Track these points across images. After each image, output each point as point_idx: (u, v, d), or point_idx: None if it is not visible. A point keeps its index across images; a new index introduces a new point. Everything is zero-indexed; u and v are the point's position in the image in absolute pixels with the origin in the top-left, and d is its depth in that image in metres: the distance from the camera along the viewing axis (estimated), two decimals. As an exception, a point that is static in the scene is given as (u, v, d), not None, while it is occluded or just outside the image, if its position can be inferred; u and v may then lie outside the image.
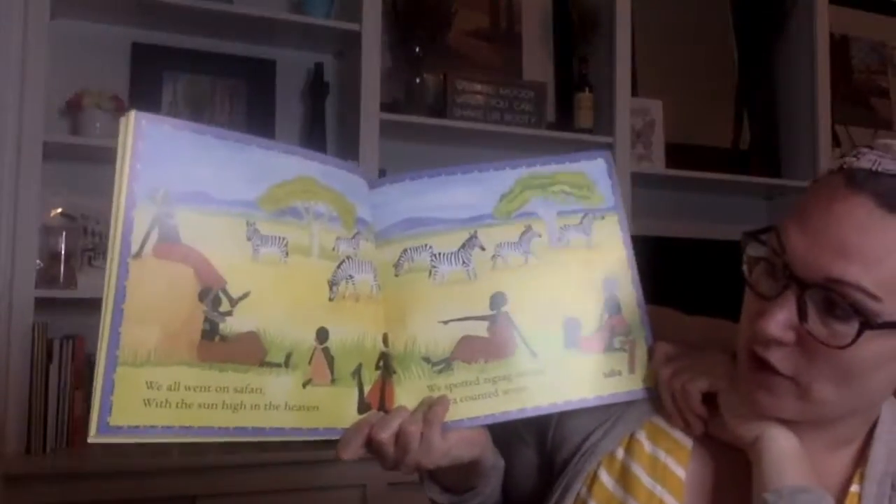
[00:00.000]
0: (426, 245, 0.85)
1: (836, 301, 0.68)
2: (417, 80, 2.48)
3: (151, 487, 1.94)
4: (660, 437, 0.85)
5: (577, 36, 2.74)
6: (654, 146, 2.80)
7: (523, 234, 0.87)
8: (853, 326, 0.68)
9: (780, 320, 0.71)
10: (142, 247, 0.67)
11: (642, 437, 0.85)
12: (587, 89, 2.67)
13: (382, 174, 2.31)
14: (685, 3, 3.02)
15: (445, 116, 2.48)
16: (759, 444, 0.77)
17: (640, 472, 0.83)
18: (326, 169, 0.82)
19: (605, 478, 0.84)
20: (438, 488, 0.91)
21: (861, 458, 0.81)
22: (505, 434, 0.95)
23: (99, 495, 1.90)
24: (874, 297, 0.67)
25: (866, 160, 0.71)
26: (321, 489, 2.08)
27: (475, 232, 0.86)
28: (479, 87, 2.54)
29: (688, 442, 0.84)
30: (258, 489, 2.02)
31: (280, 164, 0.78)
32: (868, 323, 0.67)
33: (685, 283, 1.80)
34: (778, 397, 0.74)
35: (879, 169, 0.70)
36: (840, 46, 3.19)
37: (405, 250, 0.85)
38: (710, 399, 0.81)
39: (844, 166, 0.73)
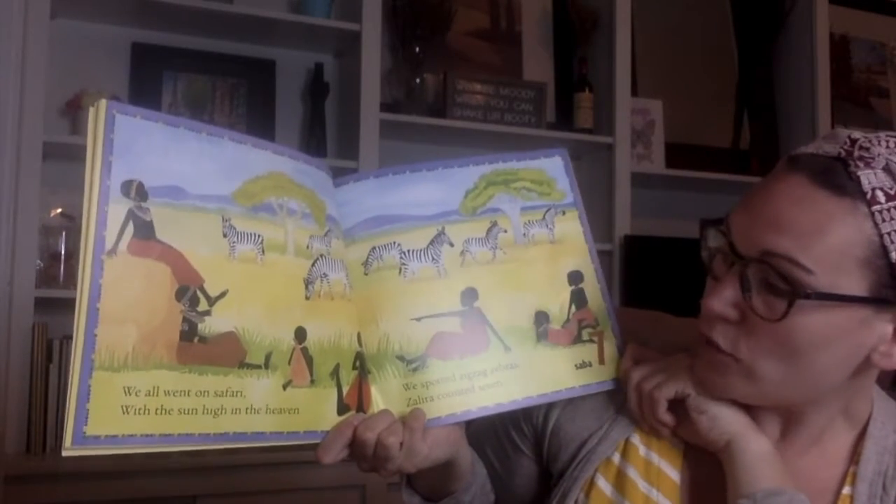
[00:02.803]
0: (394, 242, 0.84)
1: (771, 275, 0.70)
2: (417, 80, 2.48)
3: (151, 487, 1.94)
4: (653, 440, 0.85)
5: (577, 36, 2.73)
6: (654, 146, 2.80)
7: (489, 229, 0.87)
8: (787, 300, 0.69)
9: (723, 297, 0.73)
10: (116, 243, 0.64)
11: (637, 441, 0.85)
12: (587, 89, 2.67)
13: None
14: (685, 3, 3.01)
15: (445, 116, 2.48)
16: (730, 448, 0.77)
17: (635, 476, 0.83)
18: (297, 165, 0.80)
19: (602, 483, 0.84)
20: (419, 497, 0.90)
21: (854, 456, 0.80)
22: (502, 445, 0.95)
23: (99, 495, 1.91)
24: (807, 270, 0.68)
25: (811, 146, 0.74)
26: (321, 489, 2.08)
27: (443, 228, 0.86)
28: (479, 87, 2.54)
29: (680, 445, 0.84)
30: (258, 489, 2.03)
31: (252, 158, 0.76)
32: (797, 293, 0.68)
33: (684, 283, 1.80)
34: (725, 377, 0.75)
35: (819, 152, 0.72)
36: (840, 46, 3.18)
37: (374, 248, 0.84)
38: (679, 403, 0.81)
39: (792, 154, 0.75)
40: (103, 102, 0.66)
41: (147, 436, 0.63)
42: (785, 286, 0.69)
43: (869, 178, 0.69)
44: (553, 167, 0.92)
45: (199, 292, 0.69)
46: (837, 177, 0.70)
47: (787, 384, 0.74)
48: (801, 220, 0.69)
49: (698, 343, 0.78)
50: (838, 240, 0.68)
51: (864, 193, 0.68)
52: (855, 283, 0.69)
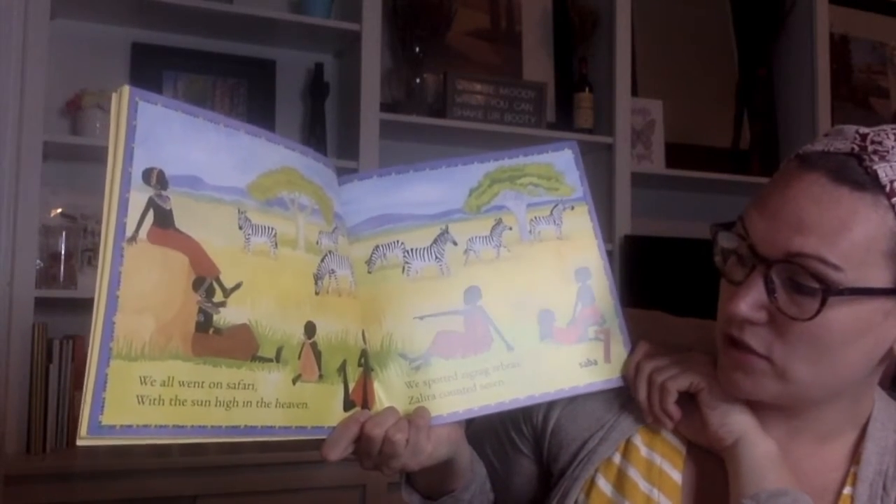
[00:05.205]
0: (398, 241, 0.85)
1: (799, 274, 0.70)
2: (417, 80, 2.48)
3: (151, 487, 1.94)
4: (656, 441, 0.85)
5: (577, 36, 2.74)
6: (654, 146, 2.80)
7: (494, 227, 0.87)
8: (818, 298, 0.69)
9: (749, 300, 0.72)
10: (136, 231, 0.64)
11: (638, 441, 0.85)
12: (587, 89, 2.67)
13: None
14: (685, 4, 3.02)
15: (445, 116, 2.48)
16: (737, 448, 0.78)
17: (636, 477, 0.83)
18: (307, 161, 0.81)
19: (603, 483, 0.84)
20: (419, 496, 0.90)
21: (854, 457, 0.81)
22: (501, 445, 0.95)
23: (99, 495, 1.90)
24: (835, 267, 0.69)
25: (819, 144, 0.74)
26: (321, 489, 2.08)
27: (446, 227, 0.86)
28: (479, 87, 2.54)
29: (682, 445, 0.84)
30: (258, 489, 2.02)
31: (266, 152, 0.76)
32: (830, 290, 0.69)
33: (684, 283, 1.80)
34: (754, 378, 0.75)
35: (831, 149, 0.73)
36: (840, 46, 3.19)
37: (377, 247, 0.84)
38: (682, 401, 0.81)
39: (800, 152, 0.75)
40: (126, 89, 0.65)
41: (161, 426, 0.63)
42: (815, 285, 0.69)
43: (885, 170, 0.70)
44: (562, 161, 0.91)
45: (215, 283, 0.69)
46: (854, 172, 0.70)
47: (816, 382, 0.74)
48: (825, 219, 0.69)
49: (720, 345, 0.78)
50: (863, 235, 0.69)
51: (883, 187, 0.69)
52: (881, 276, 0.70)
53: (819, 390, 0.76)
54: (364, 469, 0.80)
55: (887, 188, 0.69)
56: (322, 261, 0.79)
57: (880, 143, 0.71)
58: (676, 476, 0.83)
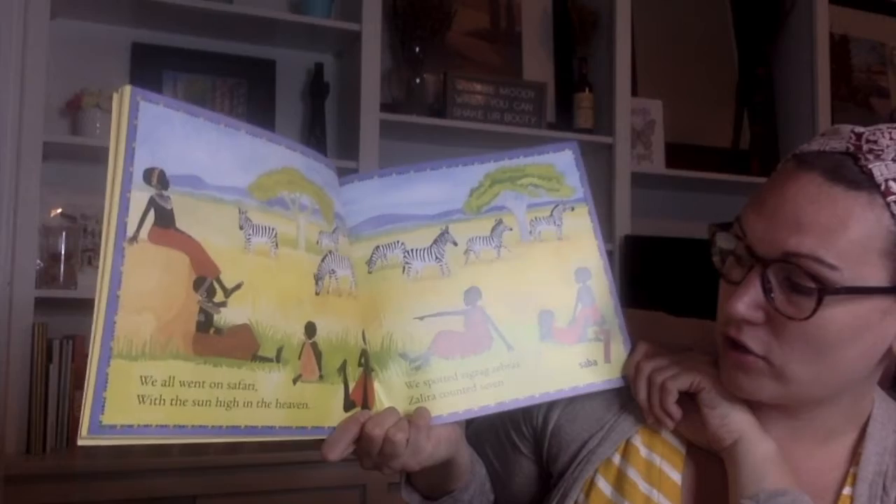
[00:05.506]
0: (398, 241, 0.85)
1: (796, 274, 0.70)
2: (417, 80, 2.48)
3: (151, 487, 1.94)
4: (655, 442, 0.85)
5: (577, 36, 2.74)
6: (654, 146, 2.80)
7: (494, 228, 0.87)
8: (814, 298, 0.69)
9: (747, 300, 0.73)
10: (137, 230, 0.64)
11: (638, 442, 0.85)
12: (587, 89, 2.67)
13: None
14: (685, 4, 3.02)
15: (445, 116, 2.48)
16: (737, 448, 0.78)
17: (636, 478, 0.83)
18: (308, 161, 0.81)
19: (602, 484, 0.84)
20: (419, 496, 0.91)
21: (854, 457, 0.81)
22: (501, 445, 0.95)
23: (99, 495, 1.91)
24: (831, 267, 0.69)
25: (816, 144, 0.74)
26: (321, 489, 2.08)
27: (447, 227, 0.86)
28: (479, 87, 2.54)
29: (682, 446, 0.84)
30: (258, 489, 2.03)
31: (267, 152, 0.77)
32: (826, 289, 0.69)
33: (685, 283, 1.80)
34: (754, 378, 0.75)
35: (826, 149, 0.73)
36: (840, 46, 3.19)
37: (377, 247, 0.85)
38: (682, 401, 0.81)
39: (797, 152, 0.75)
40: (127, 89, 0.66)
41: (162, 426, 0.63)
42: (811, 284, 0.69)
43: (881, 169, 0.70)
44: (562, 162, 0.91)
45: (215, 283, 0.69)
46: (850, 171, 0.70)
47: (816, 382, 0.74)
48: (820, 218, 0.69)
49: (720, 346, 0.78)
50: (859, 233, 0.69)
51: (878, 185, 0.69)
52: (877, 274, 0.70)
53: (818, 390, 0.76)
54: (364, 469, 0.80)
55: (882, 187, 0.69)
56: (322, 261, 0.79)
57: (875, 142, 0.71)
58: (676, 477, 0.83)
